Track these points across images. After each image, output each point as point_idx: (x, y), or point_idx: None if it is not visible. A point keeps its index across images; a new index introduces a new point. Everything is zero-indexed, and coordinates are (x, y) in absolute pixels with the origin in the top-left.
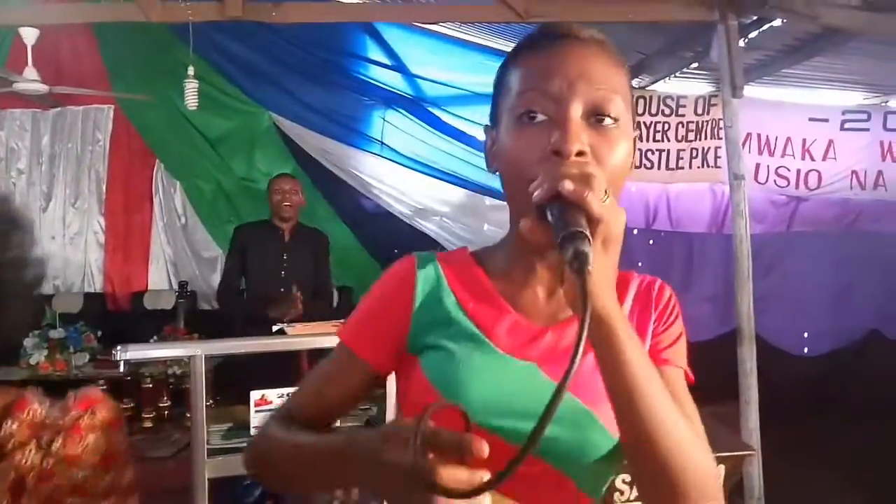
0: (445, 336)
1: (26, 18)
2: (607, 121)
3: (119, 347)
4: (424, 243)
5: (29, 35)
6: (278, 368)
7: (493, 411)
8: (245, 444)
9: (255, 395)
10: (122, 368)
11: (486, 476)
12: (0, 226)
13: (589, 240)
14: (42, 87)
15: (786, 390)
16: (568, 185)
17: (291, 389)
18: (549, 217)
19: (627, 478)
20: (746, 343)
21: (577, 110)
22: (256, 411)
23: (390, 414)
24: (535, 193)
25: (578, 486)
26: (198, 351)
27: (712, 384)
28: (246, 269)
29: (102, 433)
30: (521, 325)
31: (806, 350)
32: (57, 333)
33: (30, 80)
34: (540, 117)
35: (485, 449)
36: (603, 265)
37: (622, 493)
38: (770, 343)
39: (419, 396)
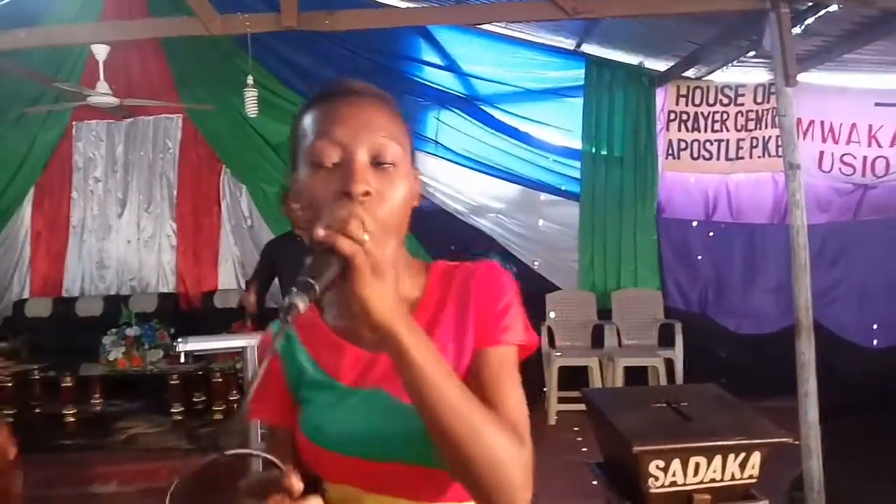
0: (306, 387)
1: (96, 36)
2: (387, 165)
3: (179, 340)
4: (480, 240)
5: (100, 51)
6: None
7: (349, 440)
8: None
9: None
10: (182, 359)
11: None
12: None
13: (315, 289)
14: (113, 100)
15: (852, 383)
16: (319, 233)
17: None
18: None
19: (661, 463)
20: (804, 335)
21: (362, 155)
22: None
23: None
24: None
25: (446, 472)
26: (250, 342)
27: (774, 377)
28: (280, 278)
29: None
30: (359, 356)
31: (875, 342)
32: (133, 331)
33: (102, 94)
34: (330, 163)
35: (295, 484)
36: (378, 289)
37: (656, 478)
38: (836, 335)
39: (300, 446)
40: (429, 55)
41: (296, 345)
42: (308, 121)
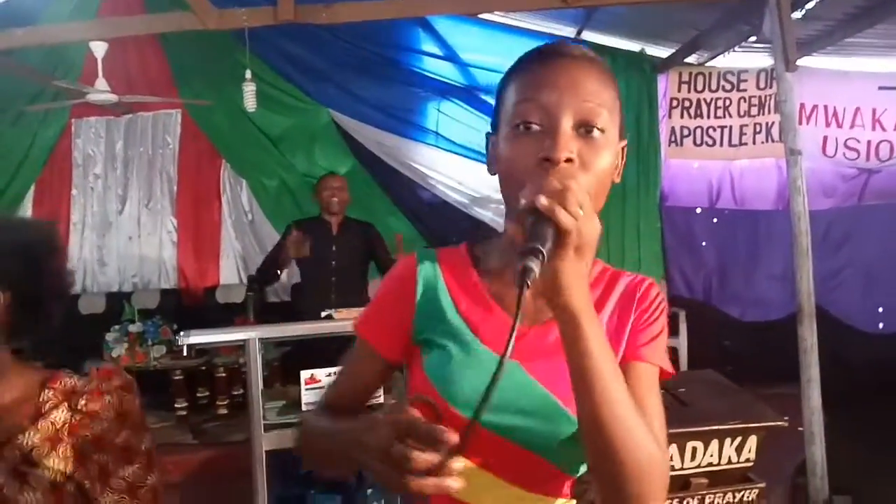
0: (440, 332)
1: (93, 33)
2: (594, 132)
3: (182, 333)
4: (481, 231)
5: (98, 49)
6: (337, 352)
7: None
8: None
9: (304, 374)
10: (185, 352)
11: (460, 462)
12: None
13: (543, 256)
14: (112, 97)
15: (857, 369)
16: (542, 201)
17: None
18: (526, 226)
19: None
20: (807, 321)
21: (567, 121)
22: (307, 389)
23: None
24: (521, 201)
25: (556, 466)
26: (252, 335)
27: (780, 364)
28: (300, 261)
29: (116, 394)
30: (507, 324)
31: (881, 326)
32: (136, 328)
33: (101, 91)
34: (534, 127)
35: (453, 437)
36: (575, 269)
37: None
38: (842, 320)
39: (419, 388)
40: (428, 45)
41: (439, 283)
42: (513, 84)
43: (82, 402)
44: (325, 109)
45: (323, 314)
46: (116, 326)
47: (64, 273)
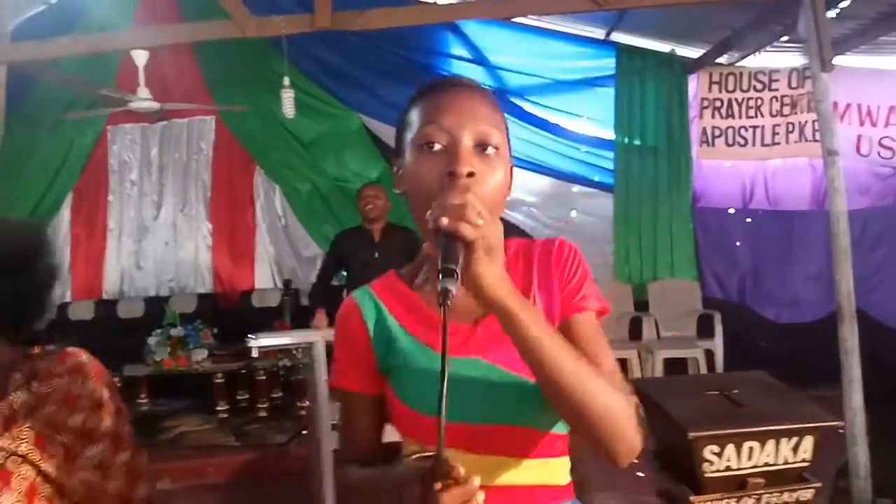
0: (397, 354)
1: (135, 42)
2: (490, 149)
3: (251, 336)
4: (512, 233)
5: (140, 57)
6: None
7: (451, 407)
8: None
9: None
10: (254, 353)
11: (476, 480)
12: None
13: (457, 274)
14: (155, 105)
15: None
16: (444, 222)
17: None
18: (438, 245)
19: (716, 448)
20: (847, 322)
21: (468, 140)
22: None
23: None
24: (430, 222)
25: (540, 430)
26: (317, 337)
27: (820, 366)
28: (347, 269)
29: (67, 377)
30: (453, 327)
31: None
32: (177, 332)
33: (143, 99)
34: (437, 146)
35: (460, 470)
36: (491, 269)
37: (711, 463)
38: (881, 322)
39: (394, 409)
40: (457, 49)
41: (383, 311)
42: (416, 110)
43: (36, 384)
44: (356, 114)
45: None
46: (158, 330)
47: (53, 272)
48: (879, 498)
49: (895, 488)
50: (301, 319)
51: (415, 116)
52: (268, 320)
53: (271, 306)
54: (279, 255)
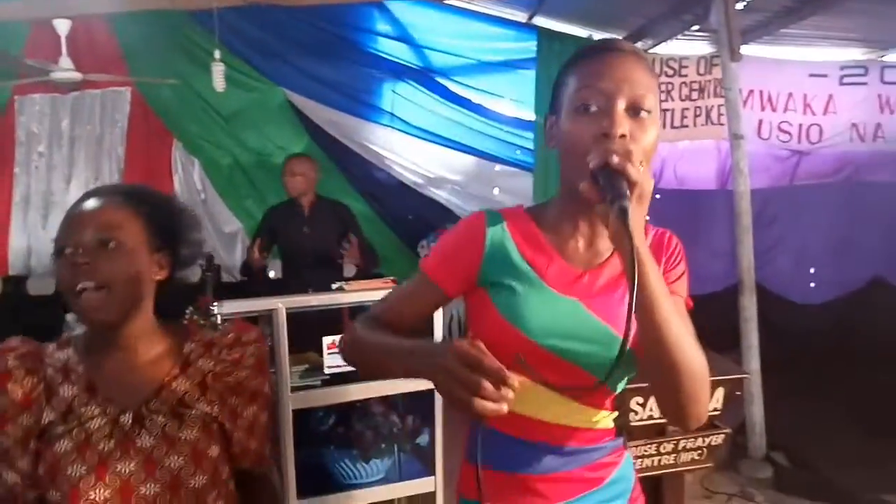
0: (508, 275)
1: (58, 10)
2: (643, 113)
3: (215, 304)
4: (436, 210)
5: (62, 26)
6: (330, 321)
7: (547, 334)
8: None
9: (327, 340)
10: (219, 320)
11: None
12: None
13: (628, 198)
14: (77, 76)
15: (791, 337)
16: (614, 158)
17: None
18: (600, 181)
19: (640, 399)
20: (747, 293)
21: (621, 104)
22: (329, 353)
23: (437, 334)
24: (591, 162)
25: (610, 385)
26: (279, 305)
27: (720, 332)
28: (278, 244)
29: (255, 345)
30: (565, 268)
31: (812, 298)
32: None
33: (65, 69)
34: (593, 108)
35: (514, 381)
36: (640, 215)
37: (636, 413)
38: (775, 293)
39: (491, 322)
40: (384, 27)
41: (507, 236)
42: (574, 72)
43: (224, 352)
44: (280, 89)
45: (334, 286)
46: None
47: (201, 242)
48: (772, 451)
49: (787, 443)
50: (222, 296)
51: (572, 79)
52: (190, 296)
53: (193, 282)
54: None
